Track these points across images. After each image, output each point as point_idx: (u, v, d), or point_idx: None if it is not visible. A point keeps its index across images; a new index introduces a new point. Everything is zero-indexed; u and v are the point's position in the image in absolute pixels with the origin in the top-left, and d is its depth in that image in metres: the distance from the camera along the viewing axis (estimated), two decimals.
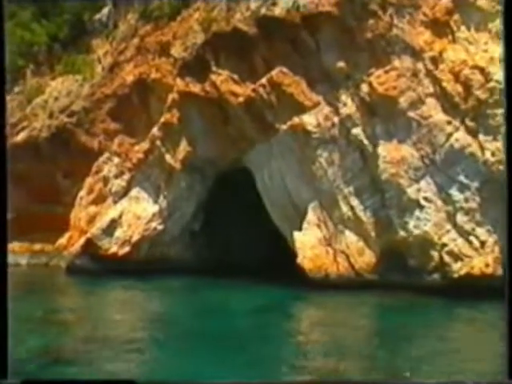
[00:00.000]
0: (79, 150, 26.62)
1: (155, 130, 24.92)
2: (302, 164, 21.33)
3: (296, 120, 21.01)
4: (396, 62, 19.15)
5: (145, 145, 25.56)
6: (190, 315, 18.74)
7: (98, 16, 27.89)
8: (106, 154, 26.32)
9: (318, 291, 20.60)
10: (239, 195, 26.90)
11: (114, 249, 25.24)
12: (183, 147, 24.12)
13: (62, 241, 27.41)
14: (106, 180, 26.24)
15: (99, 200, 26.43)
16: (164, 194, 25.38)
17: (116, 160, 26.15)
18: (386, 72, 19.26)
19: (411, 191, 19.28)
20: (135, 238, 25.27)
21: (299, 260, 21.18)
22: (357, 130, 20.05)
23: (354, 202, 20.54)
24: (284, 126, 21.29)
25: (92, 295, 22.76)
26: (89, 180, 26.64)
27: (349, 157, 20.52)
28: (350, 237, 20.73)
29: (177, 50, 23.70)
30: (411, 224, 19.33)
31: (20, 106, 27.15)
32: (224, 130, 23.10)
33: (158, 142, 24.78)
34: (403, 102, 19.06)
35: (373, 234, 20.37)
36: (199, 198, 25.54)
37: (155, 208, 25.45)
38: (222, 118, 22.95)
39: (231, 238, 27.35)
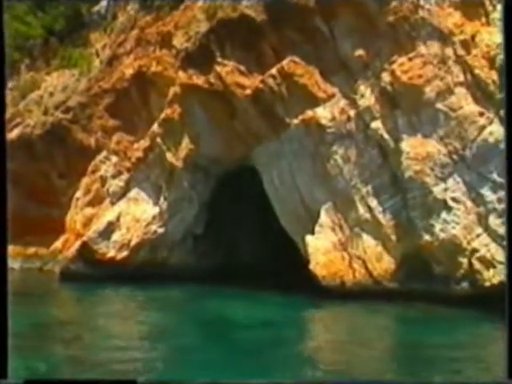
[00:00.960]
0: (75, 148, 24.19)
1: (155, 127, 22.41)
2: (316, 162, 18.79)
3: (309, 113, 18.47)
4: (422, 48, 16.63)
5: (144, 142, 23.07)
6: (191, 328, 16.21)
7: (96, 8, 25.41)
8: (104, 153, 23.82)
9: (332, 300, 18.09)
10: (244, 196, 24.46)
11: (111, 253, 22.74)
12: (185, 144, 21.60)
13: (57, 244, 24.96)
14: (103, 180, 23.74)
15: (96, 201, 23.92)
16: (165, 194, 22.87)
17: (114, 159, 23.65)
18: (411, 59, 16.73)
19: (437, 191, 16.74)
20: (134, 241, 22.76)
21: (312, 266, 18.65)
22: (376, 124, 17.51)
23: (373, 202, 18.01)
24: (296, 121, 18.75)
25: (86, 305, 20.15)
26: (85, 180, 24.15)
27: (367, 153, 17.99)
28: (367, 241, 18.19)
29: (179, 41, 21.18)
30: (437, 227, 16.78)
31: (13, 102, 24.59)
32: (229, 125, 20.58)
33: (159, 140, 22.27)
34: (429, 91, 16.52)
35: (393, 237, 17.83)
36: (202, 198, 23.03)
37: (155, 210, 22.95)
38: (227, 113, 20.42)
39: (236, 242, 24.90)
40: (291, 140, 19.10)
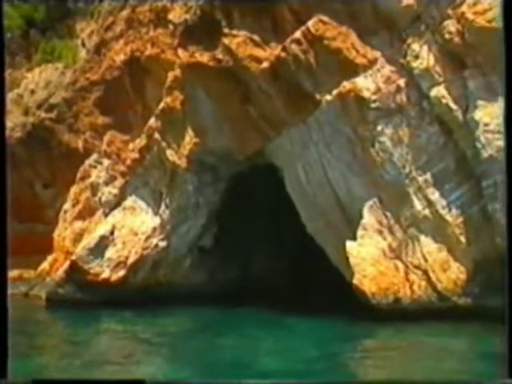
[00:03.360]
0: (61, 152, 18.88)
1: (153, 121, 17.07)
2: (355, 148, 13.43)
3: (346, 85, 13.12)
4: None
5: (141, 141, 17.70)
6: (204, 369, 10.73)
7: None
8: (94, 156, 18.44)
9: (385, 323, 12.70)
10: (261, 201, 19.08)
11: (105, 273, 17.32)
12: (189, 139, 16.23)
13: (45, 265, 19.47)
14: (94, 188, 18.33)
15: (87, 213, 18.50)
16: (166, 202, 17.48)
17: (106, 162, 18.25)
18: None
19: None
20: (132, 258, 17.36)
21: (356, 280, 13.21)
22: (437, 92, 12.19)
23: (433, 195, 12.65)
24: (328, 97, 13.39)
25: (77, 340, 14.43)
26: (74, 189, 18.73)
27: (424, 132, 12.67)
28: (427, 245, 12.79)
29: (176, 14, 15.87)
30: None
31: None
32: (242, 111, 15.21)
33: (157, 135, 16.91)
34: None
35: (462, 239, 12.43)
36: (210, 205, 17.67)
37: (156, 220, 17.58)
38: (239, 96, 15.07)
39: (252, 256, 19.49)
40: (322, 123, 13.73)
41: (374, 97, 12.75)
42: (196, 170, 16.83)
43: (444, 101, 12.11)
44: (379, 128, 12.80)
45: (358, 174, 13.58)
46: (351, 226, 14.10)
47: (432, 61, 12.18)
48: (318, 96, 13.48)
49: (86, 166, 18.54)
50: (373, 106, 12.78)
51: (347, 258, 14.45)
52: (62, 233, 18.91)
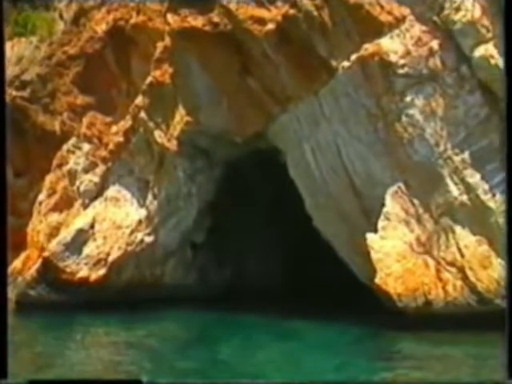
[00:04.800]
0: (35, 136, 16.44)
1: (139, 99, 14.80)
2: (377, 123, 11.20)
3: (368, 48, 10.85)
4: None
5: (125, 123, 15.42)
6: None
7: None
8: (72, 140, 16.09)
9: (414, 331, 10.52)
10: (259, 191, 16.87)
11: (83, 272, 15.06)
12: (180, 118, 13.97)
13: (17, 263, 16.95)
14: (72, 176, 15.99)
15: (64, 204, 16.14)
16: (153, 191, 15.24)
17: (86, 147, 15.93)
18: None
19: None
20: (114, 255, 15.13)
21: (379, 279, 10.96)
22: (484, 50, 10.01)
23: (473, 177, 10.47)
24: (346, 63, 11.13)
25: (49, 350, 11.98)
26: (49, 177, 16.37)
27: (462, 102, 10.50)
28: (464, 237, 10.57)
29: None
30: None
31: None
32: (241, 85, 12.94)
33: (144, 115, 14.64)
34: None
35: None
36: (204, 195, 15.44)
37: (142, 212, 15.35)
38: (238, 66, 12.80)
39: (249, 253, 17.20)
40: (338, 94, 11.49)
41: (401, 61, 10.53)
42: (188, 154, 14.54)
43: (493, 61, 9.94)
44: (408, 99, 10.56)
45: (379, 155, 11.36)
46: (369, 216, 11.88)
47: (478, 12, 10.01)
48: (333, 62, 11.21)
49: (63, 152, 16.13)
50: (401, 72, 10.54)
51: (362, 254, 12.30)
52: (37, 227, 16.51)
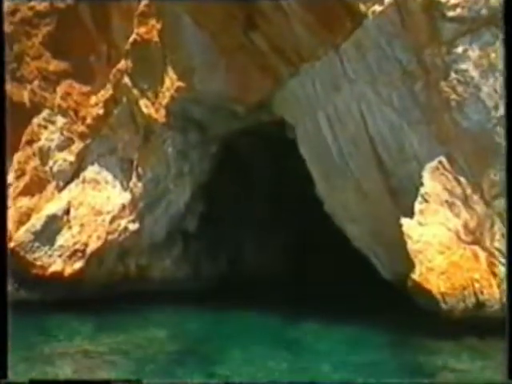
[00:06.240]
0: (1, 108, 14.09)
1: (121, 63, 12.50)
2: (415, 82, 9.04)
3: None
4: None
5: (106, 92, 13.17)
6: None
7: None
8: (45, 112, 13.81)
9: (462, 339, 8.41)
10: (261, 172, 14.72)
11: (56, 265, 12.97)
12: (170, 83, 11.73)
13: None
14: (44, 154, 13.79)
15: (35, 187, 13.92)
16: (139, 171, 13.08)
17: (60, 121, 13.69)
18: None
19: None
20: (93, 245, 13.07)
21: (418, 276, 8.81)
22: None
23: None
24: (378, 7, 8.92)
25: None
26: (18, 156, 14.07)
27: None
28: None
29: None
30: None
31: None
32: (244, 42, 10.76)
33: (127, 80, 12.39)
34: None
35: None
36: (197, 175, 13.34)
37: (125, 196, 13.31)
38: (240, 20, 10.61)
39: (246, 242, 15.08)
40: (365, 48, 9.29)
41: (452, 1, 8.37)
42: (179, 127, 12.45)
43: None
44: (459, 50, 8.43)
45: (416, 123, 9.20)
46: (397, 197, 9.80)
47: None
48: (361, 7, 9.05)
49: (33, 126, 13.91)
50: (451, 14, 8.39)
51: (387, 244, 10.23)
52: None
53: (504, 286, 8.45)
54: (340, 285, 13.68)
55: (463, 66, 8.53)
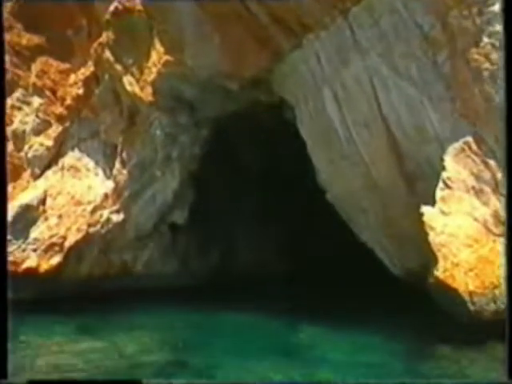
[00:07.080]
0: None
1: (103, 36, 11.24)
2: (438, 53, 7.87)
3: None
4: None
5: (86, 70, 11.96)
6: None
7: None
8: (18, 92, 12.57)
9: (493, 345, 7.29)
10: (256, 159, 13.56)
11: (30, 261, 11.76)
12: (157, 57, 10.50)
13: None
14: (18, 138, 12.58)
15: (9, 174, 12.58)
16: (123, 157, 11.92)
17: (36, 101, 12.50)
18: None
19: None
20: (72, 239, 11.89)
21: (442, 272, 7.65)
22: None
23: None
24: None
25: None
26: None
27: None
28: None
29: None
30: None
31: None
32: (240, 11, 9.54)
33: (109, 55, 11.14)
34: None
35: None
36: (186, 161, 12.12)
37: (108, 184, 12.20)
38: None
39: (239, 235, 13.93)
40: (378, 13, 8.09)
41: None
42: (167, 107, 11.26)
43: None
44: (495, 9, 7.26)
45: (438, 99, 8.05)
46: (416, 184, 8.66)
47: None
48: None
49: (7, 108, 12.65)
50: None
51: (398, 236, 9.13)
52: None
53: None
54: (340, 282, 12.58)
55: (499, 28, 7.37)
